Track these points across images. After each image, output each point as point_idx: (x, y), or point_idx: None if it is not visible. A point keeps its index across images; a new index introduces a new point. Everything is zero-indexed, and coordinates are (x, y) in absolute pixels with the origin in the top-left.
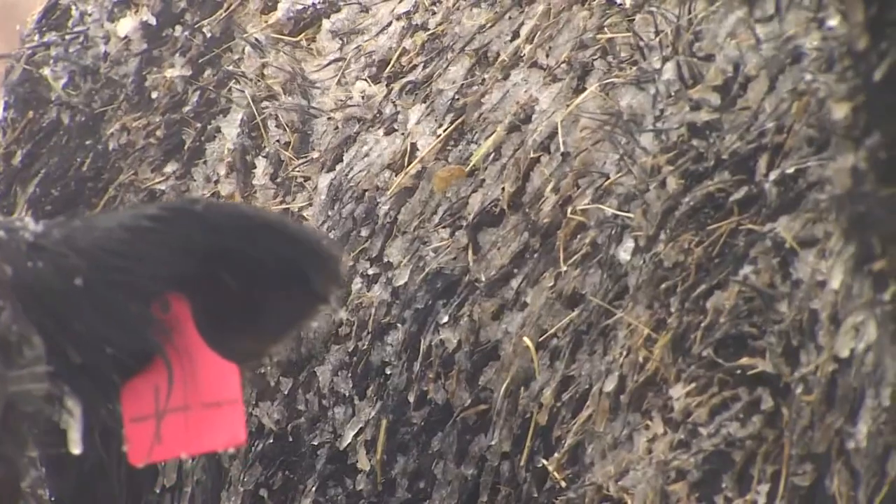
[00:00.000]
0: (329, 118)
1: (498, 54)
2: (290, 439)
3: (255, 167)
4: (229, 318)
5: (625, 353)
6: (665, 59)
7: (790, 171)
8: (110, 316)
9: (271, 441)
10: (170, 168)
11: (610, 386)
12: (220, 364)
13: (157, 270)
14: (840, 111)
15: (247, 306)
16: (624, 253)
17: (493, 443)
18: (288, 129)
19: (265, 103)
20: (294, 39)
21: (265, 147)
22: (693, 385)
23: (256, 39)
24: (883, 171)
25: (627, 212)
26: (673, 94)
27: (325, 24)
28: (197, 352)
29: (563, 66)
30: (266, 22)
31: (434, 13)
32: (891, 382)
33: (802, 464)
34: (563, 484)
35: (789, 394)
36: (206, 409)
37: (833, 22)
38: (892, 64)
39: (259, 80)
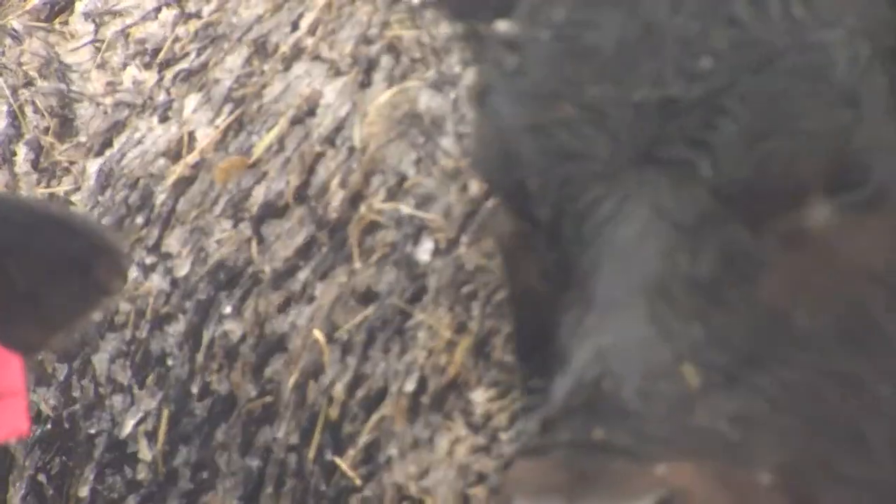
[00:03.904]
0: (97, 103)
1: (277, 46)
2: (67, 426)
3: (16, 155)
4: (12, 309)
5: (426, 354)
6: (466, 64)
7: None
8: None
9: (49, 427)
10: None
11: (410, 387)
12: (3, 355)
13: None
14: None
15: (30, 297)
16: (423, 254)
17: (279, 435)
18: (47, 115)
19: (22, 91)
20: (47, 24)
21: (25, 134)
22: (494, 390)
23: (13, 28)
24: None
25: (426, 212)
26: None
27: (78, 6)
28: None
29: (348, 59)
30: (23, 9)
31: (208, 1)
32: None
33: None
34: (359, 482)
35: None
36: None
37: None
38: None
39: (17, 68)
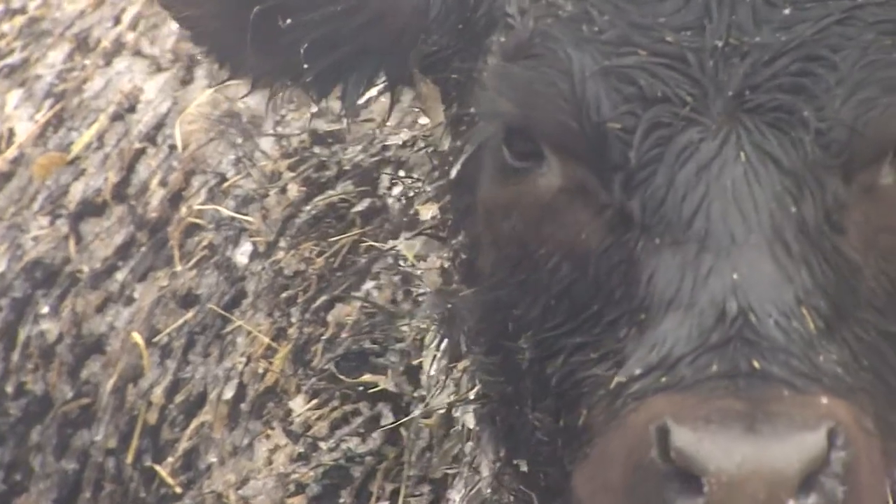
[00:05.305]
0: None
1: (99, 41)
2: None
3: None
4: None
5: (245, 360)
6: None
7: (411, 193)
8: None
9: None
10: None
11: (229, 393)
12: None
13: None
14: (427, 212)
15: None
16: (241, 256)
17: (97, 438)
18: None
19: None
20: None
21: None
22: (314, 398)
23: None
24: (464, 271)
25: (246, 215)
26: (295, 99)
27: None
28: None
29: (169, 55)
30: None
31: None
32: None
33: (420, 485)
34: (178, 490)
35: (411, 413)
36: None
37: (423, 120)
38: (465, 162)
39: None
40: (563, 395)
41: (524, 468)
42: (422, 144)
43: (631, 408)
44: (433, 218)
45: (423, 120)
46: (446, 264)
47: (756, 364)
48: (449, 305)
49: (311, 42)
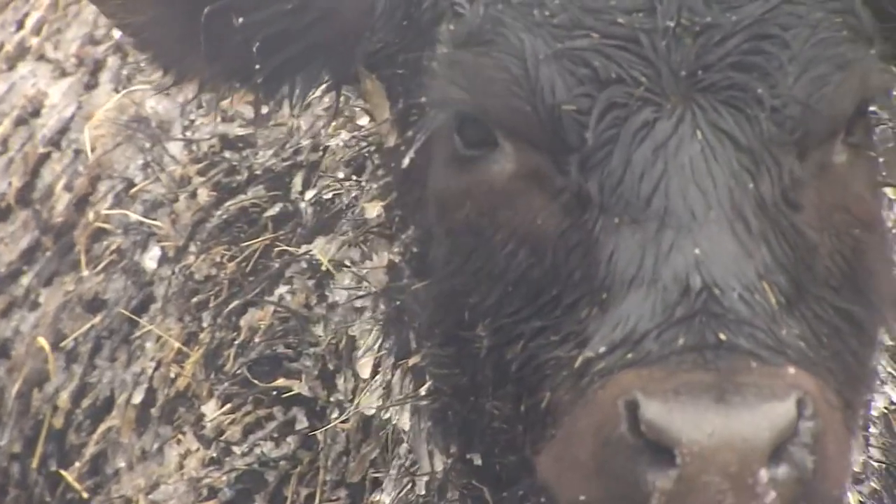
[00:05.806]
0: None
1: (2, 45)
2: None
3: None
4: None
5: (155, 365)
6: None
7: (328, 195)
8: None
9: None
10: None
11: (138, 398)
12: None
13: None
14: (372, 211)
15: None
16: (150, 261)
17: (1, 443)
18: None
19: None
20: None
21: None
22: (227, 403)
23: None
24: (416, 265)
25: (154, 219)
26: (204, 104)
27: None
28: None
29: (73, 60)
30: None
31: None
32: (427, 471)
33: (337, 489)
34: (85, 495)
35: (326, 417)
36: None
37: (362, 121)
38: (415, 155)
39: None
40: (524, 379)
41: (478, 461)
42: (351, 146)
43: (598, 385)
44: (378, 216)
45: (363, 121)
46: (396, 259)
47: (722, 336)
48: (397, 303)
49: (262, 41)
